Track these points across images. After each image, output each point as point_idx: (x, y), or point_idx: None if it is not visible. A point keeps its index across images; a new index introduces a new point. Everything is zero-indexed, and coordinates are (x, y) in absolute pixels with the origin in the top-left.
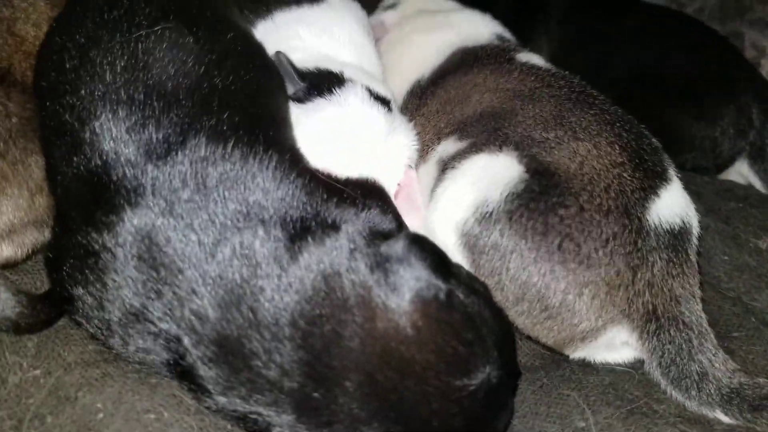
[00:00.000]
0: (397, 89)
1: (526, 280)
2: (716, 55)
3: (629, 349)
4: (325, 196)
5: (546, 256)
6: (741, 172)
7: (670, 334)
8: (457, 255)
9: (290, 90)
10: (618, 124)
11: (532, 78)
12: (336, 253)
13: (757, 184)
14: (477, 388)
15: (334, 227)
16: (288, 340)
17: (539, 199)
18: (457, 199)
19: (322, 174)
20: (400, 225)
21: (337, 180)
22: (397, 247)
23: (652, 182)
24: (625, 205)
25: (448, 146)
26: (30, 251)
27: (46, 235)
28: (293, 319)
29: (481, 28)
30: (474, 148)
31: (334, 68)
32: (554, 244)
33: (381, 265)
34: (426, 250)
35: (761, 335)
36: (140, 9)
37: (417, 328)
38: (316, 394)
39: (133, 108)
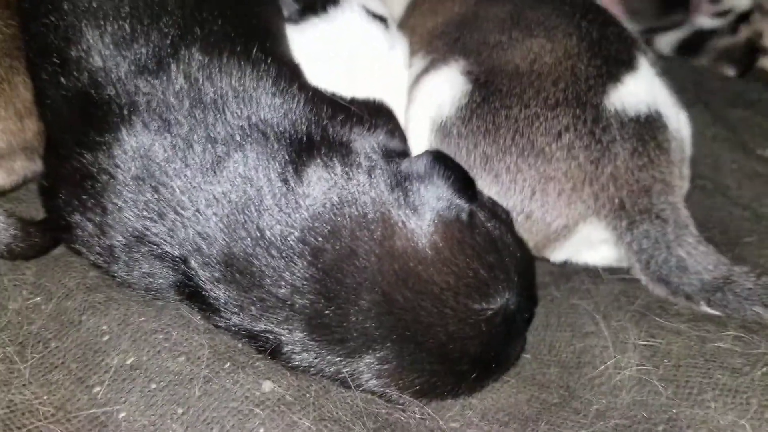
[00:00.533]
0: (397, 7)
1: (495, 178)
2: None
3: (609, 247)
4: (330, 113)
5: (505, 150)
6: None
7: (643, 227)
8: None
9: (285, 13)
10: (579, 15)
11: None
12: (351, 171)
13: None
14: (495, 313)
15: (344, 145)
16: (298, 257)
17: (483, 105)
18: (418, 132)
19: (326, 92)
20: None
21: (342, 99)
22: (419, 164)
23: (613, 69)
24: (576, 95)
25: (416, 66)
26: (20, 179)
27: (37, 163)
28: (303, 237)
29: None
30: (425, 70)
31: None
32: (507, 138)
33: (401, 183)
34: (450, 167)
35: None
36: None
37: (437, 248)
38: (327, 312)
39: (120, 22)
